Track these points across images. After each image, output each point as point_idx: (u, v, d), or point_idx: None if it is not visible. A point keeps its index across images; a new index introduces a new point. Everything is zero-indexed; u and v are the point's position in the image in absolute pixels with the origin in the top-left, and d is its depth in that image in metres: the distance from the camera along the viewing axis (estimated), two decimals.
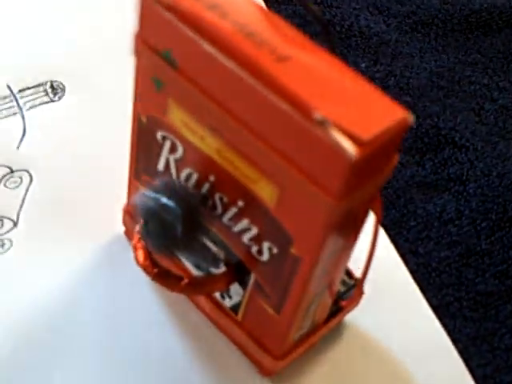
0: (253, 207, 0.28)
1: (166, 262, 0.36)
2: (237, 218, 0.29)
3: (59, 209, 0.41)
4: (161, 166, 0.33)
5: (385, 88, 0.52)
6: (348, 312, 0.36)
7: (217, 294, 0.34)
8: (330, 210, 0.24)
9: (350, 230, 0.27)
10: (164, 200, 0.29)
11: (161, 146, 0.32)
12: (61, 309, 0.38)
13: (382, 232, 0.44)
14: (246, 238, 0.29)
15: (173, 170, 0.32)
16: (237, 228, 0.29)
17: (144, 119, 0.33)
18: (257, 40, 0.27)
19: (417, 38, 0.57)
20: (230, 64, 0.26)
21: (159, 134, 0.32)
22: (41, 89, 0.47)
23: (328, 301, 0.32)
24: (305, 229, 0.26)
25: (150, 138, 0.33)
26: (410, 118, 0.26)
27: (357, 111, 0.25)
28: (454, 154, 0.49)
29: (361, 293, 0.35)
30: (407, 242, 0.44)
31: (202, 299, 0.35)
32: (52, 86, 0.47)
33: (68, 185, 0.43)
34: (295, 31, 0.28)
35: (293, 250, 0.27)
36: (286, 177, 0.25)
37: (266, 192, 0.27)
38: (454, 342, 0.41)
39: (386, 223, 0.45)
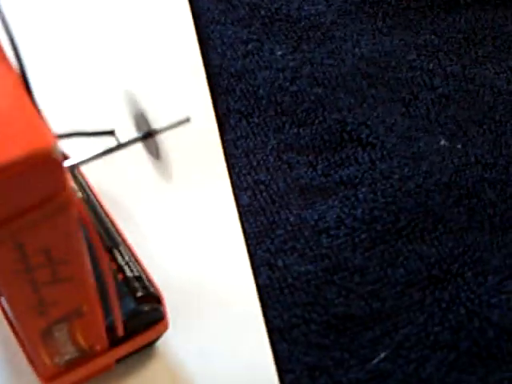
0: None
1: None
2: None
3: None
4: None
5: (295, 78, 0.47)
6: (154, 338, 0.33)
7: None
8: None
9: (41, 268, 0.25)
10: None
11: None
12: None
13: (239, 241, 0.40)
14: None
15: None
16: None
17: None
18: None
19: (360, 19, 0.51)
20: None
21: None
22: None
23: (92, 327, 0.30)
24: None
25: None
26: (54, 149, 0.21)
27: None
28: (354, 154, 0.43)
29: (161, 319, 0.32)
30: (267, 253, 0.40)
31: None
32: None
33: None
34: None
35: None
36: None
37: None
38: (286, 371, 0.36)
39: (250, 231, 0.41)
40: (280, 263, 0.39)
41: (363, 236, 0.40)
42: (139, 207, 0.40)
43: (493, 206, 0.42)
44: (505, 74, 0.49)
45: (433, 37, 0.51)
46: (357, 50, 0.49)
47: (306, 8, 0.51)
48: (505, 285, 0.39)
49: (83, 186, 0.37)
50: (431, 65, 0.49)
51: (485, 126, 0.46)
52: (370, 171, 0.42)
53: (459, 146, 0.44)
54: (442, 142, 0.44)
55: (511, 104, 0.47)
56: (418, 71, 0.48)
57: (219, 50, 0.48)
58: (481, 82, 0.48)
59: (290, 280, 0.38)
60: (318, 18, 0.50)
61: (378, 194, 0.41)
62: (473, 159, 0.44)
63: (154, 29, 0.48)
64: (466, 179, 0.43)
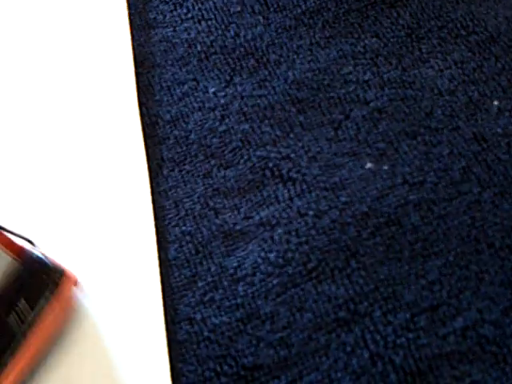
0: None
1: None
2: None
3: None
4: None
5: (225, 116, 0.47)
6: None
7: None
8: None
9: None
10: None
11: None
12: None
13: (157, 298, 0.42)
14: None
15: None
16: None
17: None
18: None
19: (299, 35, 0.50)
20: None
21: None
22: None
23: None
24: None
25: None
26: None
27: None
28: (275, 191, 0.43)
29: None
30: (188, 307, 0.41)
31: None
32: None
33: None
34: None
35: None
36: None
37: None
38: None
39: (174, 285, 0.42)
40: (198, 316, 0.41)
41: (275, 281, 0.40)
42: None
43: (415, 231, 0.41)
44: (449, 70, 0.46)
45: (374, 40, 0.48)
46: (290, 72, 0.48)
47: (242, 34, 0.50)
48: (416, 321, 0.38)
49: None
50: (367, 75, 0.47)
51: (419, 138, 0.44)
52: (288, 209, 0.42)
53: (386, 167, 0.43)
54: (368, 165, 0.43)
55: (451, 106, 0.45)
56: (352, 85, 0.47)
57: (157, 97, 0.49)
58: (421, 84, 0.46)
59: (206, 333, 0.40)
60: (253, 43, 0.50)
61: (293, 233, 0.42)
62: (399, 180, 0.42)
63: (93, 78, 0.50)
64: (387, 205, 0.42)
